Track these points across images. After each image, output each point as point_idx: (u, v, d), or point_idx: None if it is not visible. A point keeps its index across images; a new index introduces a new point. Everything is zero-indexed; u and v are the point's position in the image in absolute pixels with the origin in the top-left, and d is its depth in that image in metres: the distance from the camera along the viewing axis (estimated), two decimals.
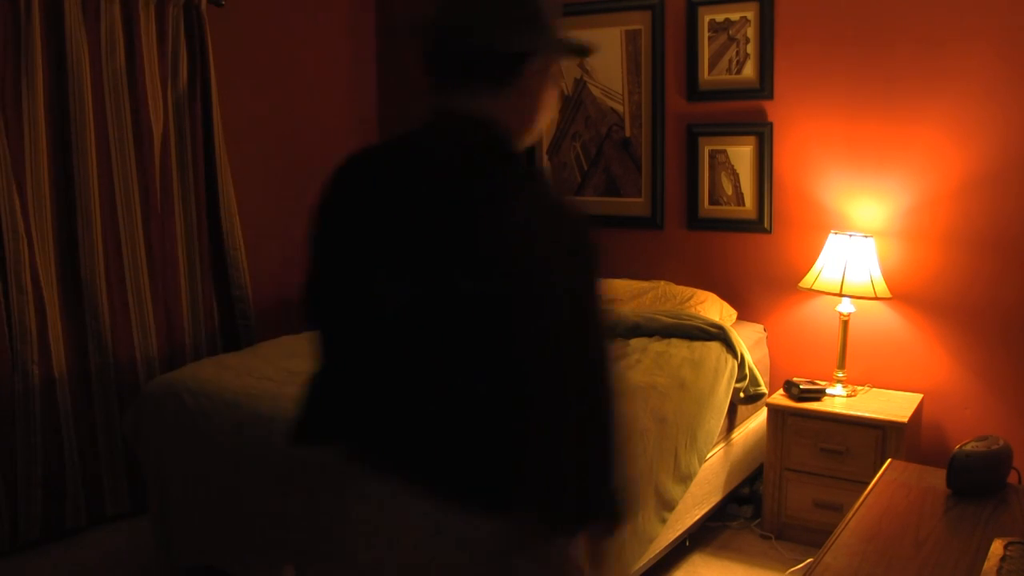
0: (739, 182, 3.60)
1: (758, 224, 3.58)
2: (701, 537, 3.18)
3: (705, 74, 3.62)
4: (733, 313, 3.57)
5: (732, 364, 3.16)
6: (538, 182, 1.32)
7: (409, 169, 1.31)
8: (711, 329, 3.22)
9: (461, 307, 1.21)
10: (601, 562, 1.29)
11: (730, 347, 3.18)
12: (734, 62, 3.56)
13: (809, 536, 3.09)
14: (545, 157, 4.03)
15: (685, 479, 2.80)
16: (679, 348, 3.12)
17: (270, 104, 3.96)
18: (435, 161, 1.29)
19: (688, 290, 3.56)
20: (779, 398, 3.24)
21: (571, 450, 1.19)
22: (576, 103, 3.96)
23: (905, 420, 2.99)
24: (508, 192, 1.24)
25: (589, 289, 1.23)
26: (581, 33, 3.47)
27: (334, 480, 1.36)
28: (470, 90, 1.31)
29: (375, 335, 1.30)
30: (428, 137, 1.34)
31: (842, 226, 3.38)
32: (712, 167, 3.65)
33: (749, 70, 3.53)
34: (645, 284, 3.65)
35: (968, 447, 1.96)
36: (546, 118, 1.40)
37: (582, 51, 1.44)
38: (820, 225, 3.44)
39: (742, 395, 3.21)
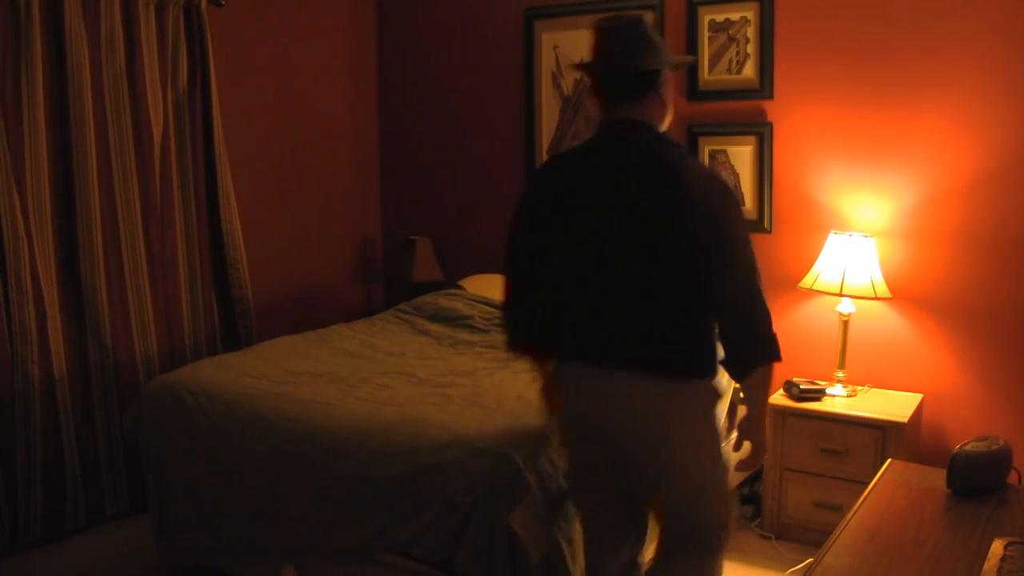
0: (739, 182, 3.60)
1: (758, 224, 3.57)
2: None
3: (705, 74, 3.62)
4: None
5: None
6: (693, 156, 1.92)
7: (611, 156, 1.93)
8: None
9: (674, 243, 1.84)
10: (768, 380, 2.05)
11: None
12: (734, 62, 3.56)
13: (809, 536, 3.09)
14: (545, 156, 4.02)
15: None
16: None
17: (270, 104, 3.96)
18: (628, 148, 1.92)
19: None
20: (779, 398, 3.24)
21: (757, 316, 1.89)
22: (576, 104, 3.96)
23: (905, 420, 2.99)
24: (685, 160, 1.88)
25: (741, 217, 1.93)
26: (582, 34, 3.48)
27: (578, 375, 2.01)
28: (629, 102, 1.95)
29: (610, 273, 1.91)
30: (614, 135, 1.96)
31: (842, 226, 3.38)
32: (712, 167, 3.65)
33: (749, 70, 3.53)
34: None
35: (968, 447, 1.96)
36: (671, 115, 2.02)
37: (687, 63, 2.32)
38: (820, 225, 3.44)
39: (742, 395, 3.20)
